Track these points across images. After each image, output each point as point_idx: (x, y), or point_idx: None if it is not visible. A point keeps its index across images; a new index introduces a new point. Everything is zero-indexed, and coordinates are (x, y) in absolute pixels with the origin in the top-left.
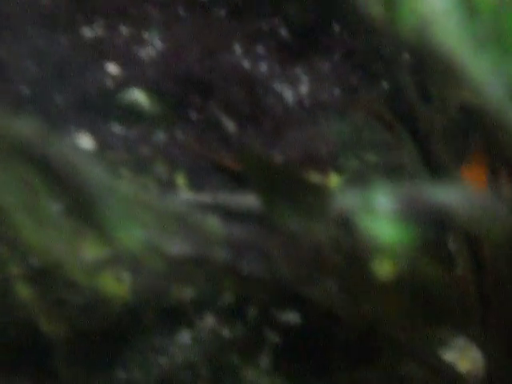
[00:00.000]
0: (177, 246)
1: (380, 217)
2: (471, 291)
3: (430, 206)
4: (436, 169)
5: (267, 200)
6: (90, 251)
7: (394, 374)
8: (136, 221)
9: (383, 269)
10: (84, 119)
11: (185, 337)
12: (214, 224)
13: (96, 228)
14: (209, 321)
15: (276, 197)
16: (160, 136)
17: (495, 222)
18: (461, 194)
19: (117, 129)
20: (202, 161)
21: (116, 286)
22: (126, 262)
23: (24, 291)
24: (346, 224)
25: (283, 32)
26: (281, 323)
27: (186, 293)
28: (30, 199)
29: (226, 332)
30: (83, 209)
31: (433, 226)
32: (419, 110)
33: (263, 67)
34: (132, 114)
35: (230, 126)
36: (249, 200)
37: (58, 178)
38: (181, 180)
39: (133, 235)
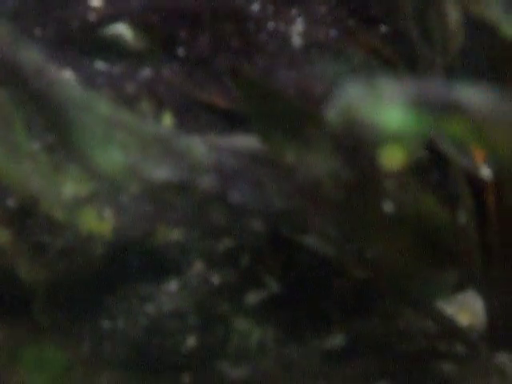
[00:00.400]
0: (159, 171)
1: (387, 105)
2: (473, 238)
3: (441, 97)
4: None
5: (262, 129)
6: (70, 187)
7: (392, 325)
8: (115, 143)
9: (392, 158)
10: (66, 55)
11: (172, 284)
12: (200, 151)
13: (72, 151)
14: (198, 267)
15: (272, 126)
16: (146, 73)
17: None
18: (476, 92)
19: (100, 65)
20: (191, 100)
21: (98, 224)
22: (109, 199)
23: (0, 235)
24: (347, 154)
25: None
26: (274, 270)
27: (173, 234)
28: (3, 130)
29: (215, 279)
30: (60, 129)
31: (436, 167)
32: (420, 51)
33: (256, 6)
34: (116, 50)
35: (220, 63)
36: (241, 140)
37: (33, 97)
38: (168, 120)
39: (112, 158)
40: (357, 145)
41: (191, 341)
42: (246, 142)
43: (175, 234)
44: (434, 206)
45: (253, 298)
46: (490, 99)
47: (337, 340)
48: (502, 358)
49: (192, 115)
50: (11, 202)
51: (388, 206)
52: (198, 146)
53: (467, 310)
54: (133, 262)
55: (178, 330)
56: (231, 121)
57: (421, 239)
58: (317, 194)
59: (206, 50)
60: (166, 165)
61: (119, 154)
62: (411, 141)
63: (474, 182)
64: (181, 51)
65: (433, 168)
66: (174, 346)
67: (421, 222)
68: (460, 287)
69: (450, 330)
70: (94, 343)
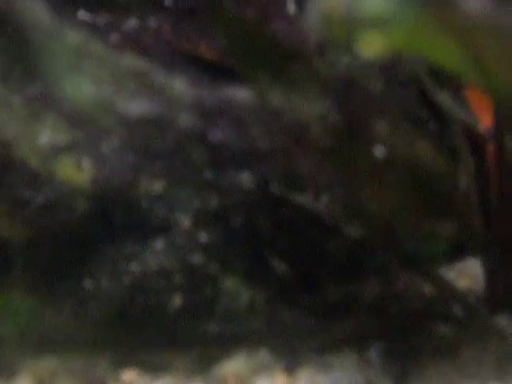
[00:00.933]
0: (134, 106)
1: None
2: (472, 193)
3: None
4: None
5: (247, 69)
6: (47, 135)
7: (388, 287)
8: (85, 74)
9: (372, 45)
10: (48, 4)
11: (158, 242)
12: (180, 87)
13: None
14: (185, 223)
15: (257, 65)
16: (132, 23)
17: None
18: None
19: (84, 15)
20: (177, 51)
21: (76, 173)
22: (87, 149)
23: None
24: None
25: None
26: (266, 230)
27: (156, 185)
28: None
29: (203, 237)
30: (27, 57)
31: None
32: None
33: None
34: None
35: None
36: (227, 92)
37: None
38: None
39: (82, 90)
40: (346, 87)
41: (177, 300)
42: (232, 92)
43: (158, 185)
44: (428, 152)
45: (242, 257)
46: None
47: (330, 300)
48: (501, 321)
49: (178, 66)
50: None
51: (379, 151)
52: (178, 82)
53: (467, 275)
54: (116, 217)
55: (164, 289)
56: (217, 73)
57: (414, 186)
58: (304, 138)
59: (193, 1)
60: (141, 99)
61: (89, 85)
62: (392, 27)
63: (472, 136)
64: (168, 1)
65: (429, 117)
66: (160, 306)
67: (414, 168)
68: (460, 249)
69: (449, 292)
70: (77, 303)
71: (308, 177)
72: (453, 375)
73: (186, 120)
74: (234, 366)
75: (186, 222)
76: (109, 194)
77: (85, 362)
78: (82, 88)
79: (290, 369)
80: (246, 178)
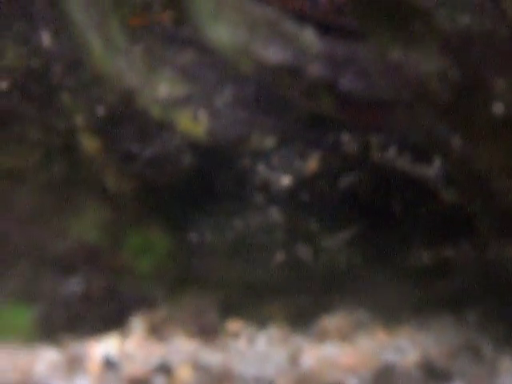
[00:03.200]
0: (270, 52)
1: None
2: None
3: None
4: None
5: (369, 26)
6: (165, 87)
7: (483, 256)
8: (225, 20)
9: None
10: None
11: (261, 199)
12: (310, 37)
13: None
14: (285, 182)
15: (378, 22)
16: None
17: None
18: None
19: None
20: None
21: (193, 125)
22: (203, 102)
23: (90, 144)
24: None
25: None
26: (367, 193)
27: (267, 141)
28: (103, 27)
29: (305, 196)
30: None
31: None
32: None
33: None
34: None
35: None
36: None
37: None
38: None
39: (223, 35)
40: (466, 43)
41: (279, 256)
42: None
43: (269, 142)
44: None
45: (342, 218)
46: None
47: (423, 262)
48: None
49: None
50: (101, 110)
51: (498, 108)
52: (307, 33)
53: None
54: (220, 173)
55: (265, 244)
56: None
57: None
58: (423, 92)
59: None
60: (275, 46)
61: (227, 31)
62: None
63: None
64: None
65: None
66: (263, 261)
67: None
68: None
69: None
70: (182, 257)
71: (427, 134)
72: None
73: (317, 69)
74: (334, 321)
75: (286, 181)
76: (223, 146)
77: (194, 310)
78: (223, 33)
79: (390, 327)
80: (346, 139)
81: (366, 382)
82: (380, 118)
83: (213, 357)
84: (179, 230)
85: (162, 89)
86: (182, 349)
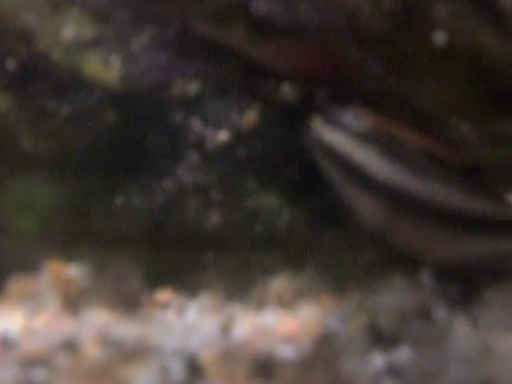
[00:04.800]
0: None
1: None
2: None
3: None
4: None
5: None
6: (71, 29)
7: None
8: None
9: None
10: None
11: (193, 157)
12: None
13: None
14: (221, 138)
15: None
16: None
17: None
18: None
19: None
20: None
21: (103, 71)
22: (116, 45)
23: (1, 101)
24: None
25: None
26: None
27: (191, 87)
28: None
29: (241, 152)
30: None
31: None
32: None
33: None
34: None
35: None
36: None
37: None
38: None
39: None
40: None
41: (214, 218)
42: None
43: (193, 87)
44: (493, 39)
45: (282, 175)
46: None
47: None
48: None
49: None
50: (12, 64)
51: (439, 37)
52: None
53: None
54: (147, 128)
55: (198, 206)
56: None
57: (477, 76)
58: (356, 21)
59: None
60: None
61: None
62: None
63: None
64: None
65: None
66: (196, 224)
67: (477, 57)
68: None
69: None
70: (107, 220)
71: (359, 68)
72: None
73: None
74: (275, 287)
75: (222, 136)
76: (139, 93)
77: (116, 277)
78: None
79: (338, 291)
80: (287, 90)
81: (303, 350)
82: (303, 49)
83: (129, 330)
84: (104, 193)
85: (66, 31)
86: (95, 323)
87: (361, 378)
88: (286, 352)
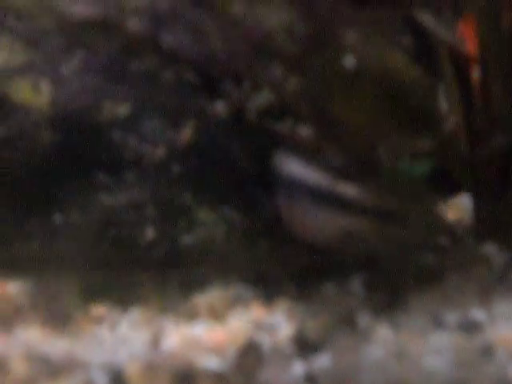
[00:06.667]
0: (78, 7)
1: None
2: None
3: None
4: None
5: None
6: (1, 56)
7: None
8: None
9: None
10: None
11: (129, 174)
12: None
13: None
14: (158, 153)
15: None
16: None
17: None
18: None
19: None
20: None
21: (33, 96)
22: (45, 70)
23: None
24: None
25: None
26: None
27: (122, 110)
28: None
29: (177, 168)
30: None
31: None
32: None
33: None
34: None
35: None
36: None
37: None
38: None
39: None
40: None
41: (150, 233)
42: None
43: (124, 110)
44: (402, 64)
45: (217, 188)
46: None
47: None
48: (489, 250)
49: None
50: None
51: (349, 61)
52: None
53: (456, 207)
54: (84, 149)
55: (136, 222)
56: None
57: (387, 98)
58: (267, 47)
59: None
60: (84, 1)
61: None
62: None
63: (457, 57)
64: None
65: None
66: (132, 239)
67: (386, 80)
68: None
69: (435, 223)
70: (45, 239)
71: (272, 88)
72: (436, 304)
73: (136, 24)
74: (207, 299)
75: (158, 152)
76: (70, 117)
77: (49, 295)
78: None
79: (268, 301)
80: (220, 106)
81: (226, 361)
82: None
83: (59, 346)
84: (42, 212)
85: None
86: (24, 340)
87: None
88: (209, 363)
